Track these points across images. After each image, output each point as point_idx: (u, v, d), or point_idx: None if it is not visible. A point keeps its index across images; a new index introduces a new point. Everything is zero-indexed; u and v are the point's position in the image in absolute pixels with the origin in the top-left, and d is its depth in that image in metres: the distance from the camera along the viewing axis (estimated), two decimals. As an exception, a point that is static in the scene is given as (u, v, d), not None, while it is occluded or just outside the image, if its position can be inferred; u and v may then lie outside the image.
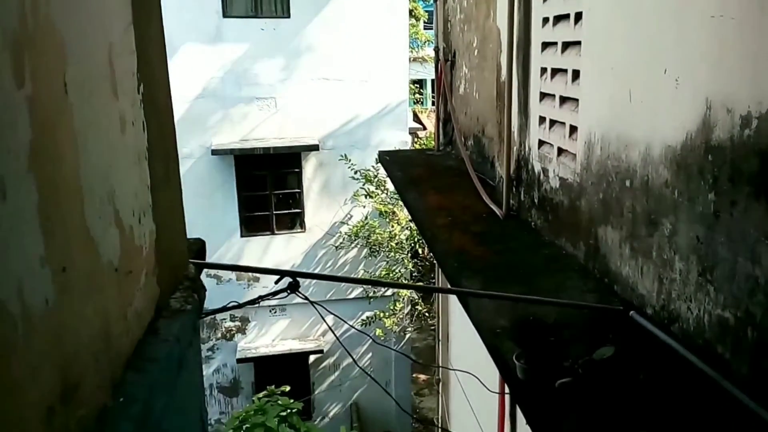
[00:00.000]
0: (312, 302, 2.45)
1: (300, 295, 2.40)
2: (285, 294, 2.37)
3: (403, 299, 11.97)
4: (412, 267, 12.20)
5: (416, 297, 12.35)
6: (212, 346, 12.00)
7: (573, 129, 3.54)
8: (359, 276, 11.87)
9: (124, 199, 1.74)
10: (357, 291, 12.28)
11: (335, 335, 3.46)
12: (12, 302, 1.13)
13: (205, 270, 2.59)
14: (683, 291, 2.60)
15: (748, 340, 2.23)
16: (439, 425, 8.65)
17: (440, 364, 8.42)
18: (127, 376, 1.71)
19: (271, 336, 12.27)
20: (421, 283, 12.53)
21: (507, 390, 4.58)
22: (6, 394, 1.09)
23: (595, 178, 3.28)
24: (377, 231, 11.49)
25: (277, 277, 2.48)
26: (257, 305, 11.97)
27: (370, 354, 12.93)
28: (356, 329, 4.36)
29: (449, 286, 3.83)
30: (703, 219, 2.42)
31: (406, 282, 11.78)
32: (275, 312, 12.25)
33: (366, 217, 11.69)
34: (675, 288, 2.66)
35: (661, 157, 2.71)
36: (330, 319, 12.25)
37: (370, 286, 11.84)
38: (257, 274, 11.85)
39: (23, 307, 1.16)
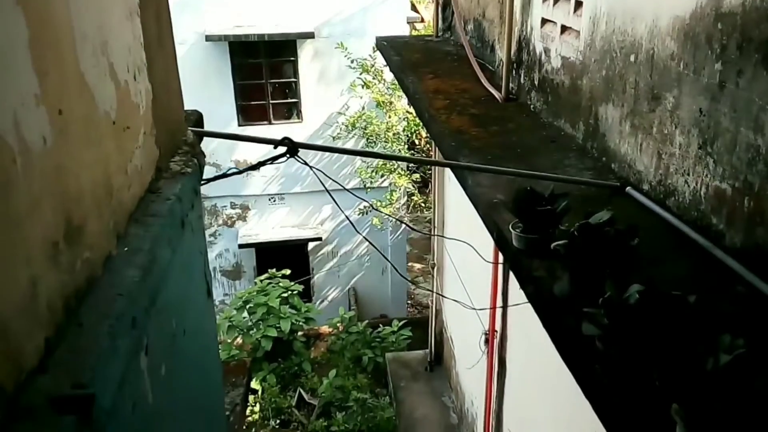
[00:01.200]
0: (310, 167, 2.41)
1: (300, 159, 2.36)
2: (284, 159, 2.32)
3: (400, 189, 11.98)
4: (409, 155, 12.12)
5: (412, 187, 12.36)
6: (214, 232, 12.12)
7: (578, 4, 3.40)
8: (356, 167, 11.82)
9: (117, 52, 1.67)
10: (354, 182, 12.27)
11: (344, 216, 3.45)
12: (10, 135, 1.09)
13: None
14: (681, 165, 2.57)
15: (744, 210, 2.22)
16: (433, 307, 8.89)
17: (435, 252, 8.55)
18: (131, 229, 1.70)
19: (270, 224, 12.37)
20: (416, 175, 12.52)
21: (501, 260, 4.67)
22: (9, 225, 1.07)
23: (599, 55, 3.17)
24: (374, 122, 11.33)
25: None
26: (257, 195, 12.07)
27: (366, 242, 13.11)
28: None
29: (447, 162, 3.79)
30: (707, 90, 2.35)
31: (402, 174, 11.76)
32: (274, 201, 12.29)
33: (363, 108, 11.50)
34: (673, 162, 2.62)
35: (668, 29, 2.60)
36: (328, 209, 12.30)
37: (367, 178, 11.80)
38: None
39: (21, 141, 1.12)
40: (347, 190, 3.31)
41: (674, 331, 1.61)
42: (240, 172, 2.50)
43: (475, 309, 5.19)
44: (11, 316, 1.05)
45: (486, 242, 4.81)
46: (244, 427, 8.46)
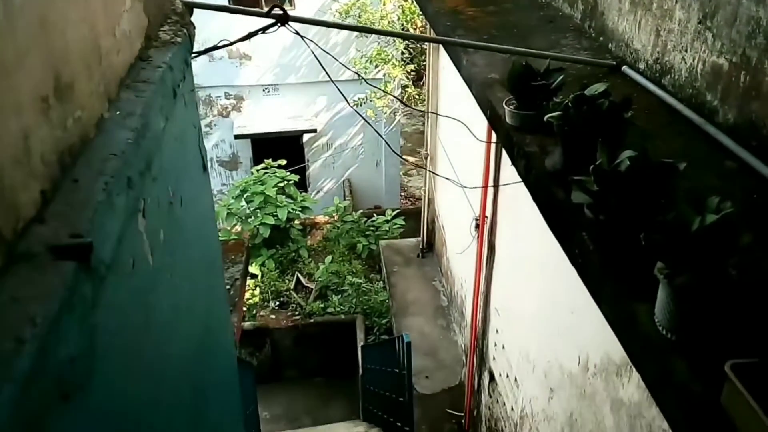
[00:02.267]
0: (302, 36, 2.32)
1: (290, 29, 2.27)
2: (275, 27, 2.23)
3: (394, 80, 11.74)
4: (404, 47, 11.81)
5: (406, 79, 12.12)
6: (209, 122, 11.97)
7: None
8: (351, 58, 11.51)
9: None
10: (349, 73, 11.98)
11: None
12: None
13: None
14: (680, 41, 2.49)
15: (740, 85, 2.17)
16: (426, 196, 8.94)
17: (429, 141, 8.50)
18: (122, 94, 1.65)
19: (265, 115, 12.21)
20: (411, 66, 12.24)
21: (494, 139, 4.65)
22: (-5, 72, 1.03)
23: (602, -74, 3.01)
24: (368, 9, 10.94)
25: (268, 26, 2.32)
26: (251, 85, 11.81)
27: (361, 135, 13.01)
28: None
29: (442, 45, 3.68)
30: (711, -40, 2.24)
31: (396, 64, 11.47)
32: (268, 92, 12.07)
33: (358, -5, 11.08)
34: (671, 39, 2.55)
35: None
36: (323, 100, 12.12)
37: (361, 69, 11.52)
38: (249, 53, 11.50)
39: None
40: (348, 68, 3.21)
41: (663, 196, 1.61)
42: (231, 44, 2.41)
43: (465, 188, 5.20)
44: (5, 163, 1.03)
45: (479, 125, 4.77)
46: (246, 309, 8.72)
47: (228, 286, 3.20)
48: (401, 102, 10.21)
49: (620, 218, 1.62)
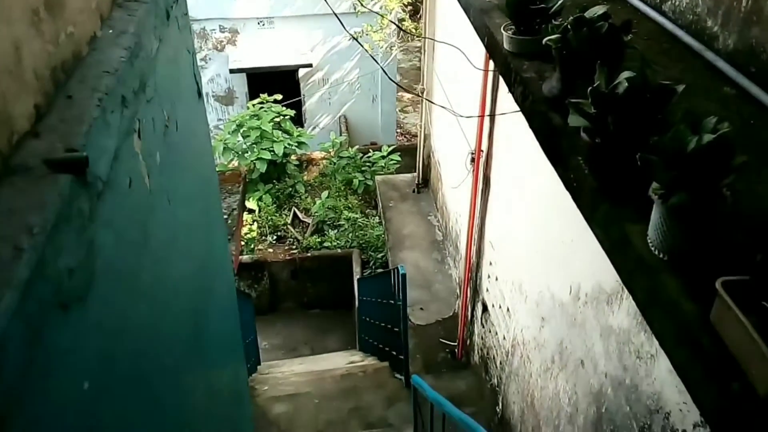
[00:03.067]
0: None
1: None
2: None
3: (391, 13, 11.46)
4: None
5: (403, 12, 11.83)
6: (205, 56, 11.74)
7: None
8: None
9: None
10: (345, 5, 11.70)
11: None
12: None
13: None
14: (682, -35, 2.42)
15: (740, 10, 2.12)
16: (422, 131, 8.88)
17: (425, 75, 8.37)
18: (115, 13, 1.61)
19: (260, 49, 11.96)
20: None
21: (491, 67, 4.58)
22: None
23: None
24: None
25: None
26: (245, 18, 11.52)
27: (357, 69, 12.79)
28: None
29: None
30: None
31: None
32: (263, 24, 11.78)
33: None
34: (673, -38, 2.47)
35: None
36: (319, 34, 11.82)
37: (356, 1, 11.22)
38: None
39: None
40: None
41: (660, 118, 1.59)
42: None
43: (461, 116, 5.16)
44: (-4, 73, 1.00)
45: (476, 54, 4.69)
46: (244, 243, 8.78)
47: (225, 216, 3.20)
48: (399, 28, 9.99)
49: (617, 141, 1.60)
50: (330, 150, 10.88)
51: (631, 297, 1.55)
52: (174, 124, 1.92)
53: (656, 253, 1.44)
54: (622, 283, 1.58)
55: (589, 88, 1.64)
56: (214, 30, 11.66)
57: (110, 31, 1.52)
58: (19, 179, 1.01)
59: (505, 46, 2.43)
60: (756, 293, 1.21)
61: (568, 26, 1.91)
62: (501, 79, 4.01)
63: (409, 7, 12.38)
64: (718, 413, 1.14)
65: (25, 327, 0.82)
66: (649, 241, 1.46)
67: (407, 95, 15.64)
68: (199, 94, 2.43)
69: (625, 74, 1.59)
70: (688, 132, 1.37)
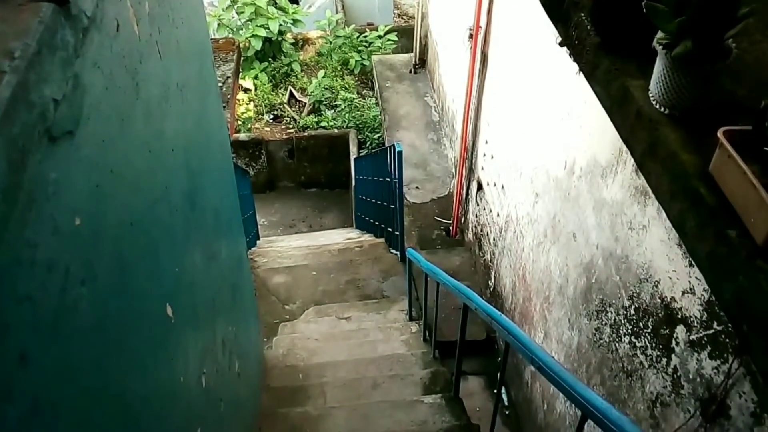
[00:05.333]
0: None
1: None
2: None
3: None
4: None
5: None
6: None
7: None
8: None
9: None
10: None
11: None
12: None
13: None
14: None
15: None
16: (419, 9, 8.52)
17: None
18: None
19: None
20: None
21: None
22: None
23: None
24: None
25: None
26: None
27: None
28: None
29: None
30: None
31: None
32: None
33: None
34: None
35: None
36: None
37: None
38: None
39: None
40: None
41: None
42: None
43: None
44: None
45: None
46: (241, 122, 8.66)
47: (220, 84, 3.10)
48: None
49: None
50: (326, 29, 10.50)
51: (626, 166, 1.52)
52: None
53: (657, 107, 1.39)
54: (621, 140, 1.55)
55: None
56: None
57: None
58: (-4, 6, 0.94)
59: None
60: (757, 142, 1.18)
61: None
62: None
63: None
64: (714, 259, 1.14)
65: (8, 147, 0.78)
66: (650, 95, 1.41)
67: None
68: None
69: None
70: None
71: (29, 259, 0.85)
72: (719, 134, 1.19)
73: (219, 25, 9.04)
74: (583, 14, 1.70)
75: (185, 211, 1.91)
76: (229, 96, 3.08)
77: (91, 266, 1.09)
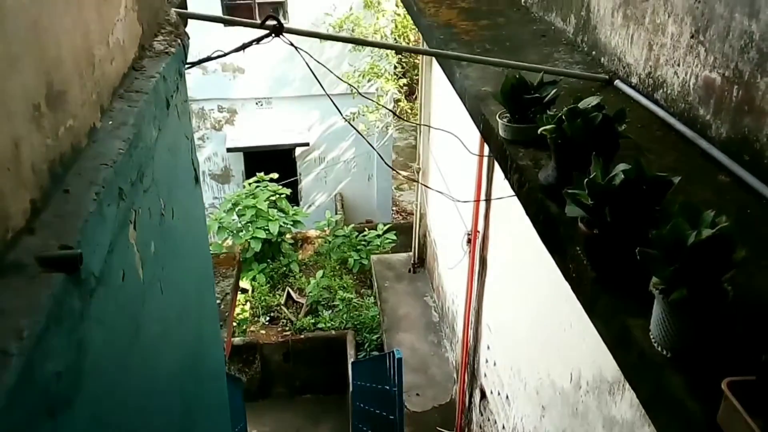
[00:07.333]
0: (296, 48, 2.32)
1: (284, 39, 2.27)
2: (269, 38, 2.23)
3: (387, 95, 11.79)
4: (396, 62, 11.88)
5: (399, 93, 12.18)
6: (202, 135, 11.96)
7: None
8: (343, 72, 11.54)
9: None
10: (341, 87, 12.02)
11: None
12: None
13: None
14: (672, 56, 2.51)
15: (732, 99, 2.18)
16: (417, 210, 8.95)
17: (421, 156, 8.51)
18: (115, 103, 1.65)
19: (258, 128, 12.20)
20: (403, 80, 12.29)
21: (486, 152, 4.66)
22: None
23: (594, -59, 3.04)
24: (362, 23, 11.01)
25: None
26: (243, 99, 11.81)
27: (353, 149, 13.02)
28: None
29: (435, 57, 3.70)
30: (703, -25, 2.26)
31: (389, 78, 11.51)
32: (262, 105, 12.08)
33: (351, 9, 11.14)
34: (664, 53, 2.56)
35: None
36: (316, 114, 12.06)
37: (354, 83, 11.55)
38: (243, 66, 11.50)
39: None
40: (346, 82, 3.20)
41: (658, 210, 1.61)
42: (225, 55, 2.41)
43: (458, 201, 5.20)
44: (-6, 172, 1.02)
45: (471, 138, 4.78)
46: (236, 324, 8.66)
47: (218, 301, 3.18)
48: (393, 114, 10.23)
49: (615, 232, 1.62)
50: (325, 228, 10.92)
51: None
52: (170, 211, 1.94)
53: (659, 349, 1.43)
54: (625, 378, 1.56)
55: (586, 180, 1.66)
56: (212, 110, 11.93)
57: (110, 122, 1.55)
58: (11, 279, 1.00)
59: (501, 133, 2.48)
60: (762, 394, 1.19)
61: (563, 117, 1.97)
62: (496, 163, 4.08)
63: (405, 88, 12.76)
64: None
65: (7, 436, 0.80)
66: (651, 336, 1.45)
67: (403, 172, 15.88)
68: (196, 179, 2.46)
69: (621, 166, 1.63)
70: (687, 226, 1.38)
71: None
72: (724, 387, 1.21)
73: (219, 228, 9.42)
74: (578, 248, 1.79)
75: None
76: (227, 314, 3.14)
77: None
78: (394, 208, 14.61)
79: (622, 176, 1.61)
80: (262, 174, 10.39)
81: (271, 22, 2.21)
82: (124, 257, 1.43)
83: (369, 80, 11.46)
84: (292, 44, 2.30)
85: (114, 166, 1.38)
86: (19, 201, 1.11)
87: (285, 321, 9.12)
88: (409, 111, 12.59)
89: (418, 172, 8.71)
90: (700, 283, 1.35)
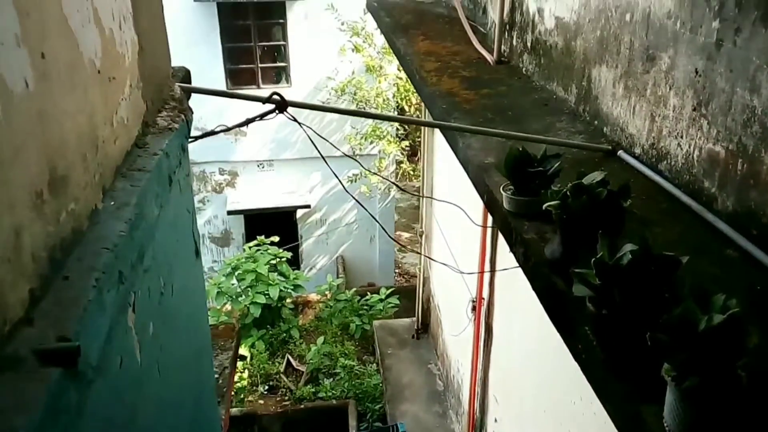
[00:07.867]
0: (299, 123, 2.37)
1: (288, 115, 2.32)
2: (273, 115, 2.28)
3: (389, 157, 11.94)
4: (398, 124, 12.07)
5: (401, 155, 12.33)
6: (203, 198, 12.05)
7: (574, -37, 3.34)
8: (346, 134, 11.73)
9: (102, -2, 1.61)
10: (343, 148, 12.20)
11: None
12: (-12, 76, 1.05)
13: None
14: (675, 128, 2.55)
15: (737, 172, 2.21)
16: (421, 275, 8.92)
17: (423, 219, 8.55)
18: (118, 183, 1.67)
19: (259, 190, 12.30)
20: (406, 142, 12.45)
21: (490, 223, 4.67)
22: (-10, 170, 1.04)
23: (594, 14, 3.13)
24: (364, 87, 11.24)
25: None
26: (245, 161, 11.96)
27: (355, 211, 13.09)
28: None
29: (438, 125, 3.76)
30: (703, 50, 2.32)
31: (391, 141, 11.68)
32: (263, 167, 12.21)
33: (353, 73, 11.39)
34: (666, 125, 2.61)
35: (665, -14, 2.57)
36: (318, 176, 12.17)
37: (356, 145, 11.71)
38: (244, 129, 11.68)
39: (1, 82, 1.07)
40: (345, 154, 3.26)
41: (667, 290, 1.61)
42: (228, 129, 2.46)
43: (462, 273, 5.20)
44: (-6, 264, 1.02)
45: (475, 207, 4.81)
46: (233, 393, 8.51)
47: (216, 375, 3.14)
48: (396, 186, 10.35)
49: (624, 313, 1.61)
50: (326, 292, 10.87)
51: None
52: (170, 289, 1.94)
53: (674, 437, 1.40)
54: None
55: (593, 260, 1.67)
56: (213, 173, 12.06)
57: (112, 202, 1.57)
58: (8, 375, 1.00)
59: (505, 205, 2.50)
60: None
61: (568, 192, 1.98)
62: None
63: (407, 149, 12.92)
64: None
65: None
66: (665, 423, 1.43)
67: (406, 234, 15.90)
68: (197, 252, 2.47)
69: (628, 246, 1.63)
70: (697, 309, 1.38)
71: None
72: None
73: (218, 293, 9.37)
74: (588, 329, 1.78)
75: None
76: (225, 389, 3.10)
77: None
78: (396, 271, 14.57)
79: (630, 256, 1.62)
80: (262, 237, 10.42)
81: (275, 97, 2.26)
82: (123, 343, 1.42)
83: (371, 142, 11.62)
84: (294, 119, 2.35)
85: (115, 250, 1.39)
86: (18, 292, 1.11)
87: (284, 390, 8.97)
88: (411, 172, 12.72)
89: (421, 236, 8.73)
90: (713, 370, 1.34)
